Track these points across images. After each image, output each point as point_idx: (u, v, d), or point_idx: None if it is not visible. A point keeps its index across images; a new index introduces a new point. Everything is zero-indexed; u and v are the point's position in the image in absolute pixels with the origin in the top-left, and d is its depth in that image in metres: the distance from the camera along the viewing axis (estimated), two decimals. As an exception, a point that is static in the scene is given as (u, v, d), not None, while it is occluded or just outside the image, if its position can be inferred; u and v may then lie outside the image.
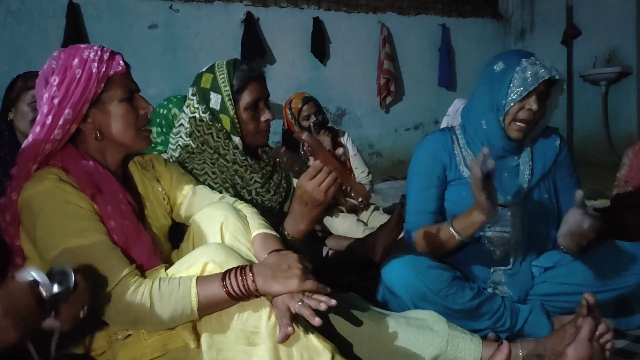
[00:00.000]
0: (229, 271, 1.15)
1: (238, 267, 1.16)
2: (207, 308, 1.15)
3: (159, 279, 1.16)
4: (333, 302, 1.12)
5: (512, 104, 1.59)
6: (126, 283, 1.13)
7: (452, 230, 1.56)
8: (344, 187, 1.31)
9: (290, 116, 3.13)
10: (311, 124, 3.06)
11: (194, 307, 1.13)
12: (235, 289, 1.13)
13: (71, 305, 0.97)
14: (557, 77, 1.58)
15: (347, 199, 1.33)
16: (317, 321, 1.09)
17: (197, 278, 1.15)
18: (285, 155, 1.28)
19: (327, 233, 2.75)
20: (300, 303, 1.11)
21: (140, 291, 1.12)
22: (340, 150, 1.31)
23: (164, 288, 1.13)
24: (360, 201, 1.34)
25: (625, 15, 5.80)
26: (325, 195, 1.28)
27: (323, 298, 1.13)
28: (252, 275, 1.13)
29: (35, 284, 0.91)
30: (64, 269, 0.97)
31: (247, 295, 1.14)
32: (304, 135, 1.26)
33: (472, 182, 1.44)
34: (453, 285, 1.56)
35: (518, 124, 1.61)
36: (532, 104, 1.58)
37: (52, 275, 0.96)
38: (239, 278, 1.13)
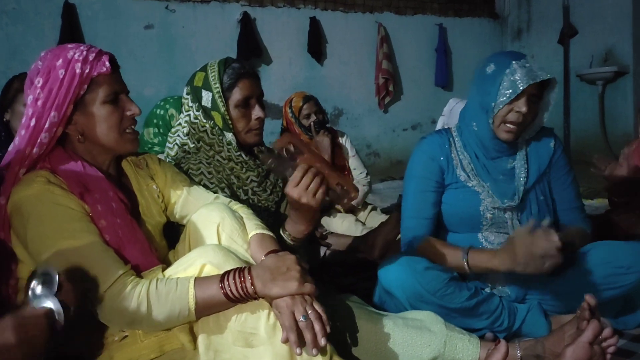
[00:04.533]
0: (227, 273, 1.14)
1: (236, 269, 1.15)
2: (205, 309, 1.14)
3: (156, 279, 1.15)
4: (323, 342, 1.11)
5: (501, 106, 1.59)
6: (122, 282, 1.12)
7: (464, 262, 1.57)
8: (336, 184, 1.30)
9: (290, 115, 3.12)
10: (312, 123, 3.05)
11: (191, 308, 1.12)
12: (234, 291, 1.12)
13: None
14: (547, 77, 1.57)
15: (338, 197, 1.31)
16: (315, 353, 1.10)
17: (195, 279, 1.14)
18: (273, 162, 1.28)
19: (322, 237, 2.75)
20: (303, 319, 1.11)
21: (137, 291, 1.11)
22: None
23: (161, 288, 1.13)
24: (351, 197, 1.31)
25: (622, 15, 5.81)
26: (314, 198, 1.27)
27: (325, 316, 1.13)
28: (251, 278, 1.13)
29: (50, 313, 0.91)
30: (48, 269, 0.97)
31: (245, 298, 1.13)
32: (288, 140, 1.25)
33: (531, 249, 1.42)
34: (450, 285, 1.56)
35: (508, 125, 1.61)
36: (521, 106, 1.58)
37: (35, 276, 0.95)
38: (238, 280, 1.12)
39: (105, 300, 1.11)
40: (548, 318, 1.69)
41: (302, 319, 1.10)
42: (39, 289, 0.94)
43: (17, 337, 0.83)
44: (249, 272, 1.14)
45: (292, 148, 1.27)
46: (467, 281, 1.67)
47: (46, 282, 0.95)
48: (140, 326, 1.14)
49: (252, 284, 1.12)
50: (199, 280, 1.14)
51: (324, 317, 1.13)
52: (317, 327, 1.11)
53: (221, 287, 1.12)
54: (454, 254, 1.60)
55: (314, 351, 1.09)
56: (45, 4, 4.82)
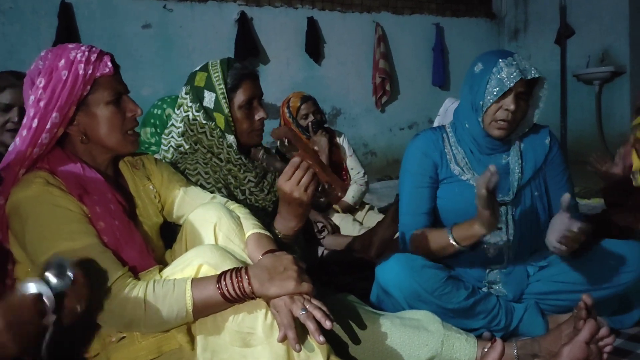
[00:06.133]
0: (224, 273, 1.14)
1: (233, 269, 1.15)
2: (202, 310, 1.14)
3: (153, 281, 1.15)
4: (328, 324, 1.10)
5: (489, 104, 1.60)
6: (120, 285, 1.12)
7: (451, 239, 1.57)
8: (324, 182, 1.31)
9: (288, 115, 3.11)
10: (309, 123, 3.05)
11: (188, 309, 1.12)
12: (231, 291, 1.12)
13: (69, 299, 0.96)
14: (534, 75, 1.58)
15: (326, 194, 1.32)
16: (321, 339, 1.09)
17: (192, 280, 1.14)
18: (263, 157, 1.29)
19: (320, 230, 2.75)
20: (304, 312, 1.10)
21: (134, 293, 1.11)
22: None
23: (158, 290, 1.12)
24: (336, 196, 1.33)
25: (619, 15, 5.82)
26: (305, 193, 1.28)
27: (324, 308, 1.12)
28: (248, 278, 1.13)
29: (38, 297, 0.90)
30: (61, 261, 0.96)
31: (242, 298, 1.13)
32: (285, 135, 1.27)
33: (477, 197, 1.45)
34: (447, 284, 1.56)
35: (499, 122, 1.62)
36: (509, 104, 1.58)
37: (49, 268, 0.95)
38: (235, 280, 1.12)
39: (103, 302, 1.11)
40: (545, 317, 1.70)
41: (301, 312, 1.10)
42: (53, 281, 0.93)
43: (5, 322, 0.83)
44: (246, 272, 1.14)
45: (286, 142, 1.28)
46: (464, 277, 1.67)
47: (61, 274, 0.95)
48: (138, 328, 1.14)
49: (249, 283, 1.12)
50: (195, 281, 1.14)
51: (324, 308, 1.13)
52: (319, 314, 1.11)
53: (218, 287, 1.12)
54: (440, 235, 1.61)
55: (321, 338, 1.08)
56: (42, 3, 4.80)
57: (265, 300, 1.15)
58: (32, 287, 0.91)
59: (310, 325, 1.09)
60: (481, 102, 1.61)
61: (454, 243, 1.57)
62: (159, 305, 1.11)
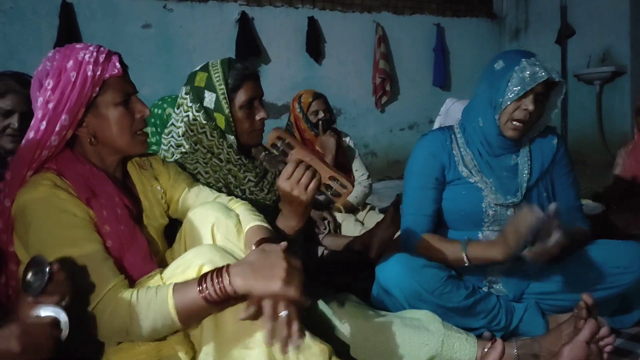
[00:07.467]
0: (205, 275, 1.09)
1: (215, 269, 1.09)
2: (190, 316, 1.09)
3: (137, 289, 1.11)
4: (295, 342, 1.05)
5: (508, 103, 1.59)
6: (112, 295, 1.09)
7: (464, 255, 1.57)
8: (329, 178, 1.30)
9: (298, 110, 3.11)
10: (320, 121, 3.05)
11: (173, 317, 1.07)
12: (212, 294, 1.06)
13: (50, 295, 0.96)
14: (556, 79, 1.58)
15: (332, 193, 1.31)
16: (287, 350, 1.05)
17: (175, 285, 1.09)
18: (264, 157, 1.29)
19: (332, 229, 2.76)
20: (286, 314, 1.05)
21: (122, 302, 1.08)
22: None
23: (142, 298, 1.08)
24: (345, 191, 1.31)
25: (619, 15, 5.81)
26: (306, 192, 1.27)
27: (295, 327, 1.05)
28: (229, 276, 1.07)
29: (55, 322, 0.91)
30: (40, 259, 0.96)
31: (226, 299, 1.08)
32: (277, 135, 1.26)
33: (517, 227, 1.42)
34: (448, 284, 1.56)
35: (514, 123, 1.61)
36: (529, 104, 1.58)
37: (29, 267, 0.96)
38: (215, 281, 1.06)
39: (93, 315, 1.09)
40: (545, 317, 1.70)
41: (283, 314, 1.05)
42: (31, 280, 0.94)
43: (22, 345, 0.84)
44: (227, 270, 1.08)
45: (279, 144, 1.28)
46: (465, 276, 1.67)
47: (38, 272, 0.95)
48: (128, 338, 1.12)
49: (229, 282, 1.06)
50: (178, 286, 1.09)
51: (296, 327, 1.06)
52: (295, 327, 1.06)
53: (200, 290, 1.07)
54: (452, 248, 1.60)
55: (287, 349, 1.05)
56: (42, 3, 4.80)
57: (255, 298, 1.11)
58: (48, 312, 0.91)
59: (283, 332, 1.04)
60: (500, 100, 1.60)
61: (465, 259, 1.57)
62: (143, 314, 1.07)
